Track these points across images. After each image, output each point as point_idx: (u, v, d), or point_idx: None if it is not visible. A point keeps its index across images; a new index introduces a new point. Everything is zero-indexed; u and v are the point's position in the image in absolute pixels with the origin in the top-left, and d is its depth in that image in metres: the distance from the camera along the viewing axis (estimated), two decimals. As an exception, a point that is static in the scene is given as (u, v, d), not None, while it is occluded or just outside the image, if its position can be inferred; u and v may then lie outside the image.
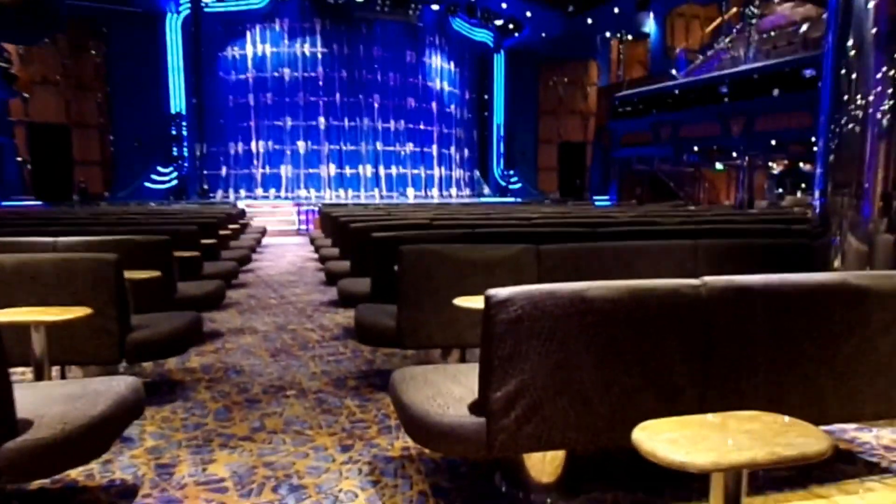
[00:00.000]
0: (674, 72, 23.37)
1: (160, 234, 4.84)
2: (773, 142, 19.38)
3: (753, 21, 20.78)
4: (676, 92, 21.54)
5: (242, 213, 12.30)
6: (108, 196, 19.95)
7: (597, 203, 23.55)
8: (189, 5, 20.00)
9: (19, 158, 18.59)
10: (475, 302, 2.77)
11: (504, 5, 21.10)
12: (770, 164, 24.94)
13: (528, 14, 21.15)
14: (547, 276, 3.71)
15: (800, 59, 17.18)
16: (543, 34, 23.06)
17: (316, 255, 9.98)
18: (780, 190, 25.21)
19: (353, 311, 4.51)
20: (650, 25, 25.41)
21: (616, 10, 22.88)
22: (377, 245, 4.83)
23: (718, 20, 25.05)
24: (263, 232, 12.74)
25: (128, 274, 3.46)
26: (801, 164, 23.24)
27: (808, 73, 16.16)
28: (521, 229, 5.65)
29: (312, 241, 10.67)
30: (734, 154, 22.41)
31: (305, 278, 8.95)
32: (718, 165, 25.42)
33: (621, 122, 24.40)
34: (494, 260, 3.77)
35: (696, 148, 22.48)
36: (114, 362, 3.40)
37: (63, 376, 3.58)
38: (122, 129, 20.40)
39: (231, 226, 9.68)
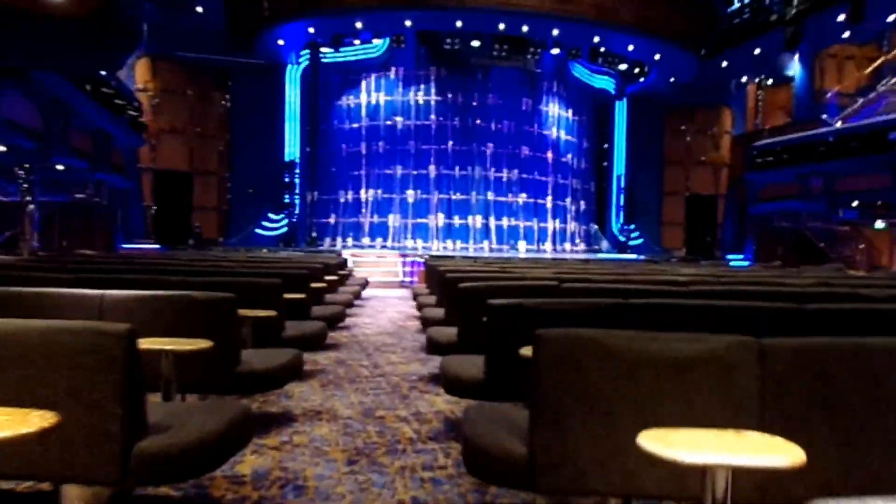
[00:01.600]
0: (825, 117, 20.69)
1: (225, 290, 3.78)
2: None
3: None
4: (831, 139, 18.90)
5: (343, 263, 11.46)
6: (221, 241, 20.20)
7: (732, 263, 20.98)
8: (308, 56, 20.31)
9: (144, 203, 19.24)
10: (682, 446, 1.66)
11: (631, 47, 19.68)
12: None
13: (657, 57, 19.58)
14: (778, 392, 2.18)
15: None
16: (672, 79, 21.32)
17: (418, 313, 8.79)
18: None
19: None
20: (795, 68, 22.91)
21: (757, 51, 20.78)
22: (494, 315, 3.49)
23: (880, 60, 22.16)
24: (365, 284, 11.81)
25: (168, 345, 2.90)
26: None
27: None
28: (696, 301, 4.07)
29: (415, 297, 9.50)
30: (903, 211, 19.20)
31: (404, 341, 7.72)
32: (879, 223, 22.04)
33: (760, 174, 21.87)
34: (686, 358, 2.26)
35: (855, 203, 19.50)
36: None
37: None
38: (240, 177, 20.80)
39: (328, 277, 8.72)
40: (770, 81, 24.15)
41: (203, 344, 2.94)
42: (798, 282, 6.73)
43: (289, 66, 20.39)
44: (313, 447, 3.64)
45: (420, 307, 8.24)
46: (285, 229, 20.40)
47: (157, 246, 18.47)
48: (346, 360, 6.28)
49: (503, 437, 2.50)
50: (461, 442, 2.76)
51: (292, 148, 20.57)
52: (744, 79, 23.81)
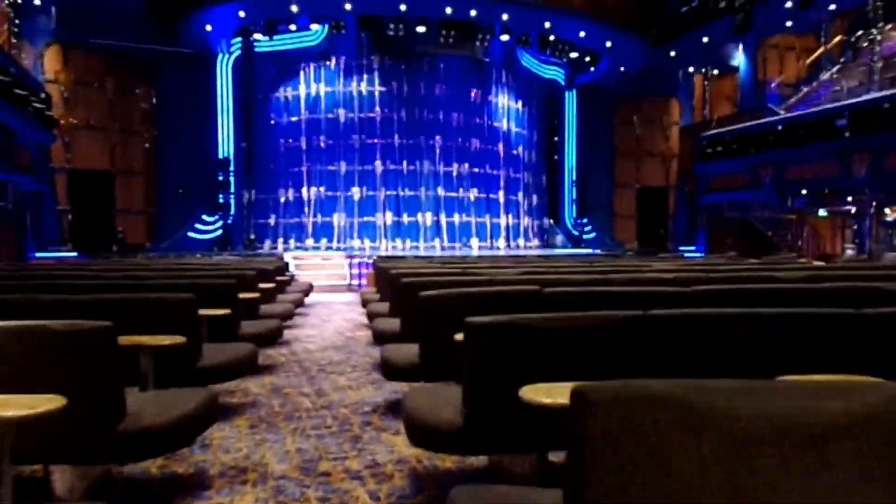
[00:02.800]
0: (771, 106, 20.68)
1: (106, 313, 2.68)
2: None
3: (876, 47, 18.00)
4: (780, 128, 18.80)
5: (283, 268, 10.26)
6: (149, 247, 18.55)
7: (687, 255, 20.73)
8: (240, 45, 18.86)
9: (59, 207, 17.41)
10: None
11: (582, 34, 19.05)
12: (885, 209, 21.63)
13: (609, 44, 19.03)
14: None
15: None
16: (622, 68, 20.87)
17: (368, 321, 7.75)
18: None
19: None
20: (739, 58, 22.93)
21: (705, 39, 20.56)
22: (476, 338, 2.58)
23: (820, 50, 22.37)
24: (308, 290, 10.65)
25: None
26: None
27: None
28: (734, 311, 3.19)
29: (365, 305, 8.47)
30: (849, 198, 19.35)
31: (354, 357, 6.68)
32: (822, 212, 22.29)
33: (710, 165, 21.71)
34: (821, 426, 1.32)
35: (804, 191, 19.52)
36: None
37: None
38: (168, 176, 19.17)
39: (263, 285, 7.58)
40: (716, 71, 24.13)
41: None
42: (792, 275, 6.05)
43: (219, 56, 18.88)
44: (230, 535, 2.61)
45: (371, 316, 7.19)
46: (220, 232, 18.91)
47: (74, 254, 16.73)
48: (283, 388, 5.20)
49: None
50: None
51: (226, 144, 19.09)
52: (691, 69, 23.69)
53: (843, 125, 16.49)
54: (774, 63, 23.50)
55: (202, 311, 4.12)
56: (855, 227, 21.56)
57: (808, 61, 22.72)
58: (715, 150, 21.36)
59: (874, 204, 17.33)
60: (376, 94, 19.53)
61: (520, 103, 21.89)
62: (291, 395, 4.99)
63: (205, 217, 18.91)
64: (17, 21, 16.20)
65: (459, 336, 2.65)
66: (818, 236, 23.08)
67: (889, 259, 17.21)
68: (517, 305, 3.73)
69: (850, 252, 20.89)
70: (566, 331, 2.53)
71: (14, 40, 16.09)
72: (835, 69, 21.12)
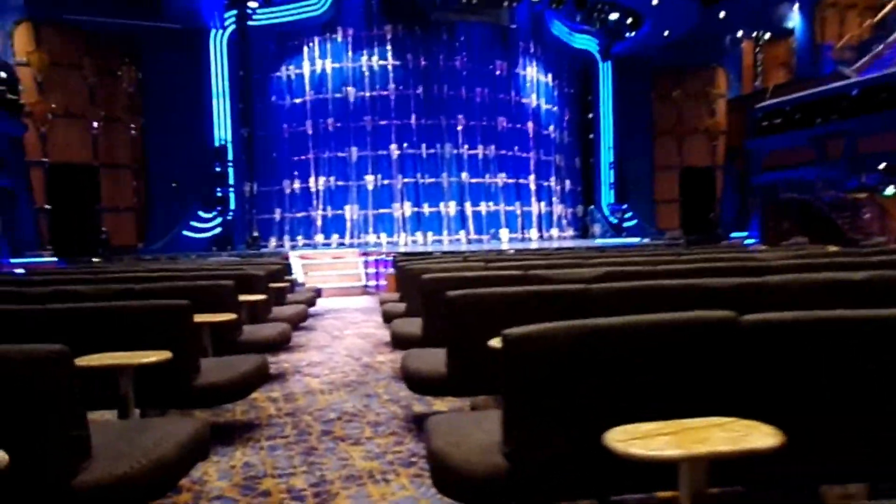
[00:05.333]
0: (840, 69, 18.19)
1: None
2: None
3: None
4: (855, 93, 16.35)
5: (282, 272, 8.08)
6: (140, 248, 16.56)
7: (742, 242, 18.40)
8: (235, 18, 16.73)
9: (36, 206, 15.44)
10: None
11: (625, -7, 16.67)
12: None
13: (654, 2, 16.55)
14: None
15: None
16: (666, 32, 18.43)
17: (392, 345, 5.59)
18: None
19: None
20: (795, 19, 20.42)
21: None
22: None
23: (888, 7, 19.79)
24: (313, 300, 8.49)
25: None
26: None
27: None
28: None
29: (388, 320, 6.33)
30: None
31: (375, 405, 4.49)
32: (890, 189, 19.75)
33: (765, 140, 19.31)
34: None
35: (882, 165, 17.05)
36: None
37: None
38: (159, 169, 17.15)
39: (248, 298, 5.47)
40: (767, 36, 21.62)
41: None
42: None
43: (212, 31, 16.77)
44: None
45: (398, 341, 5.04)
46: (219, 230, 16.84)
47: (54, 259, 14.76)
48: (259, 477, 3.01)
49: None
50: None
51: (222, 131, 17.01)
52: (739, 33, 21.20)
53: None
54: (834, 24, 20.96)
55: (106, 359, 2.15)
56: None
57: (875, 20, 20.14)
58: (772, 123, 18.96)
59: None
60: (389, 68, 17.28)
61: (549, 77, 19.56)
62: (274, 493, 2.81)
63: (201, 213, 16.87)
64: (-20, -4, 14.23)
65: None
66: (891, 217, 20.54)
67: None
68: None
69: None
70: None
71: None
72: (911, 26, 18.57)
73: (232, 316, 4.41)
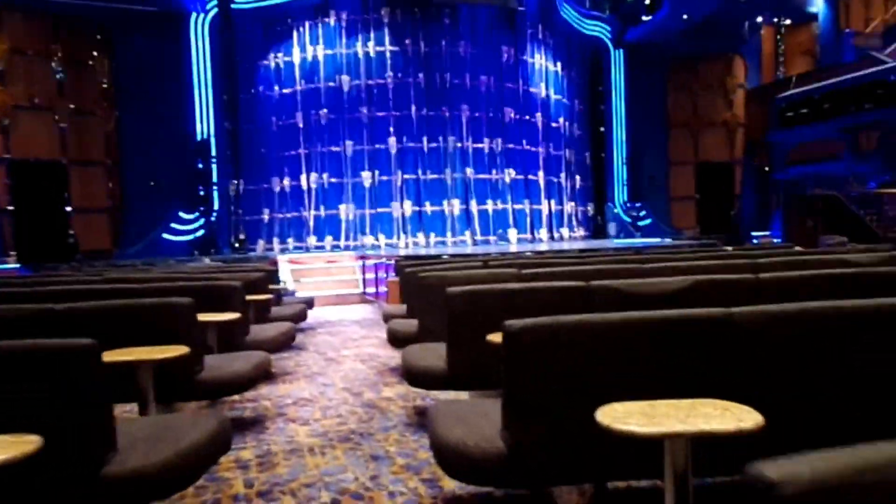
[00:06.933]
0: (875, 54, 16.91)
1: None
2: None
3: None
4: (894, 79, 15.07)
5: (264, 280, 6.66)
6: (115, 252, 15.12)
7: (772, 242, 17.12)
8: (218, 1, 15.34)
9: (-2, 207, 13.99)
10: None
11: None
12: None
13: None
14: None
15: None
16: (685, 15, 17.13)
17: (395, 359, 4.23)
18: None
19: None
20: (818, 4, 19.18)
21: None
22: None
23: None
24: (303, 313, 7.07)
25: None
26: None
27: None
28: None
29: (393, 340, 4.96)
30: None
31: (385, 470, 3.08)
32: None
33: (789, 132, 18.03)
34: None
35: (920, 157, 15.79)
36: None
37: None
38: (136, 166, 15.74)
39: (220, 318, 4.12)
40: (788, 21, 20.36)
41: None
42: None
43: (192, 16, 15.35)
44: None
45: (412, 374, 3.68)
46: (202, 232, 15.42)
47: (17, 266, 13.35)
48: None
49: None
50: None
51: (205, 125, 15.60)
52: (759, 18, 19.91)
53: None
54: (858, 9, 19.73)
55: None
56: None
57: (902, 4, 18.91)
58: (797, 114, 17.67)
59: None
60: (387, 55, 15.87)
61: (559, 65, 18.21)
62: None
63: (182, 215, 15.45)
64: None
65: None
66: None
67: None
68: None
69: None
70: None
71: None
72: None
73: (182, 350, 3.01)
